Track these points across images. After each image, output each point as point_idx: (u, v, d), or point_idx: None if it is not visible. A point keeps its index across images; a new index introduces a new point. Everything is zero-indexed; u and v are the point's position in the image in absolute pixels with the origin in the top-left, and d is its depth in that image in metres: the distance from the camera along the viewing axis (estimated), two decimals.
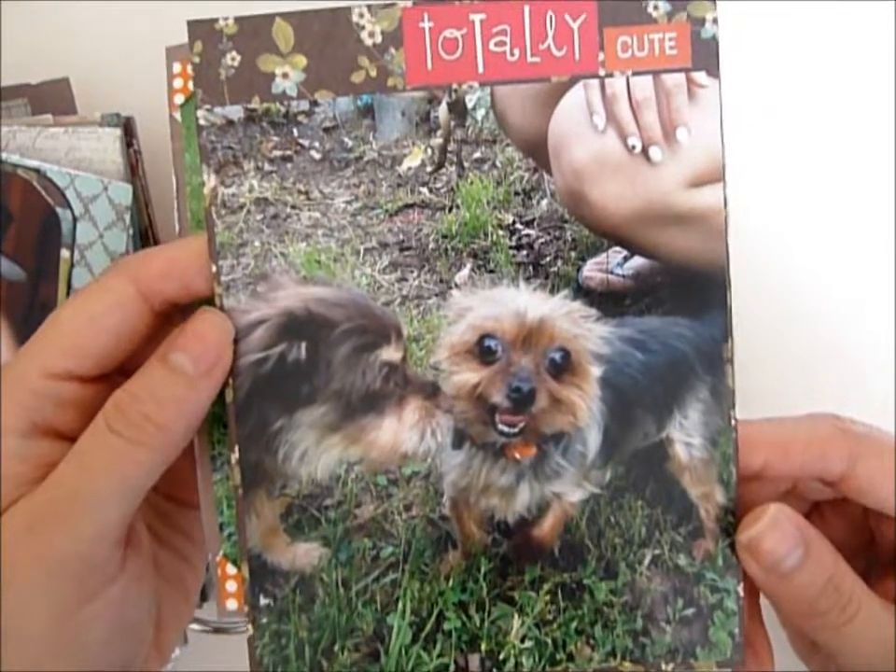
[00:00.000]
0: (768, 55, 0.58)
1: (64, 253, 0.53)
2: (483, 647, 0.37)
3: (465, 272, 0.39)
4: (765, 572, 0.35)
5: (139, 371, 0.35)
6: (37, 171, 0.53)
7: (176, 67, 0.37)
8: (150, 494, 0.35)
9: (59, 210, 0.53)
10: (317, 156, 0.39)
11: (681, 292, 0.38)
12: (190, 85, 0.36)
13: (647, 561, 0.38)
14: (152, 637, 0.37)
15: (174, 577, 0.39)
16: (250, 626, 0.37)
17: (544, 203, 0.38)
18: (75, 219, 0.53)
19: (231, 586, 0.38)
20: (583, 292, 0.38)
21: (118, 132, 0.55)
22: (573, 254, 0.38)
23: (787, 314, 0.59)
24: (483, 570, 0.38)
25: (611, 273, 0.39)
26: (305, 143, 0.39)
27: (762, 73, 0.57)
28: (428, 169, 0.38)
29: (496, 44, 0.36)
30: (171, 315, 0.37)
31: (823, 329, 0.59)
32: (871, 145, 0.58)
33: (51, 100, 0.57)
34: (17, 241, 0.53)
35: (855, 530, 0.39)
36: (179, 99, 0.37)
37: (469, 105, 0.37)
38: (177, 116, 0.37)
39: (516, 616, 0.37)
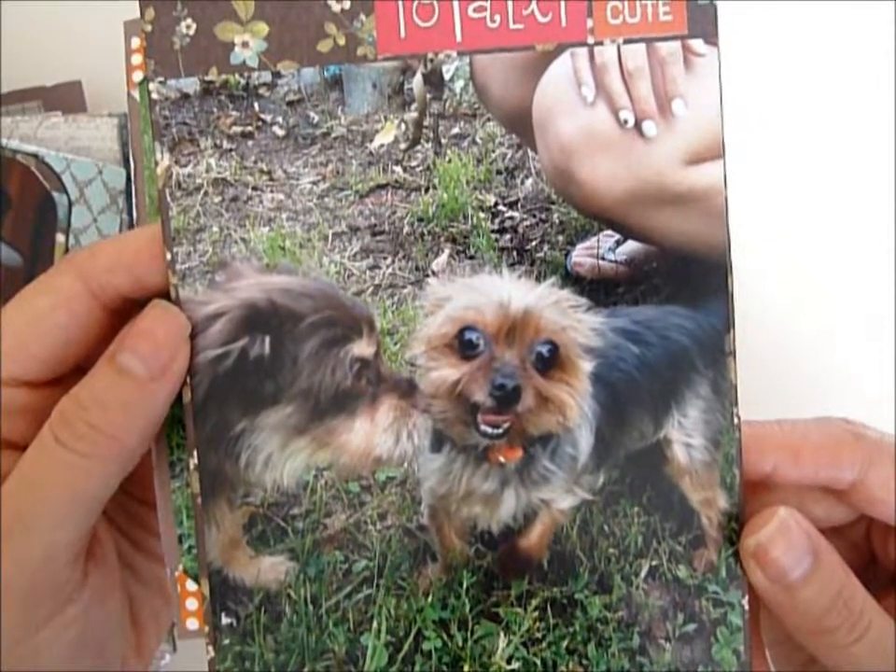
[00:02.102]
0: (770, 20, 0.57)
1: (60, 238, 0.55)
2: (466, 668, 0.36)
3: (443, 258, 0.38)
4: (771, 582, 0.34)
5: (87, 375, 0.33)
6: (35, 156, 0.55)
7: (135, 42, 0.36)
8: (120, 496, 0.35)
9: (55, 195, 0.55)
10: (281, 132, 0.38)
11: (679, 279, 0.36)
12: None
13: (644, 573, 0.36)
14: (131, 641, 0.37)
15: (151, 579, 0.38)
16: (211, 648, 0.36)
17: (529, 182, 0.38)
18: (70, 204, 0.55)
19: (192, 604, 0.36)
20: (572, 280, 0.37)
21: (115, 120, 0.58)
22: (561, 238, 0.38)
23: (787, 305, 0.58)
24: (465, 585, 0.36)
25: (603, 258, 0.38)
26: (267, 118, 0.38)
27: (763, 40, 0.57)
28: (402, 146, 0.37)
29: (475, 9, 0.34)
30: (128, 312, 0.35)
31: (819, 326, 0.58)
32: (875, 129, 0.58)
33: (64, 102, 0.61)
34: (14, 226, 0.55)
35: (856, 552, 0.38)
36: (138, 76, 0.36)
37: (447, 77, 0.36)
38: (136, 94, 0.36)
39: (502, 635, 0.36)
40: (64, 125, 0.58)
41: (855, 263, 0.59)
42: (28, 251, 0.55)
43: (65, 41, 0.63)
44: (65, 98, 0.62)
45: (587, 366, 0.36)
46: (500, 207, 0.38)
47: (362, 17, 0.34)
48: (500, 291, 0.35)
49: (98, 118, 0.59)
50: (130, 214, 0.58)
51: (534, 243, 0.38)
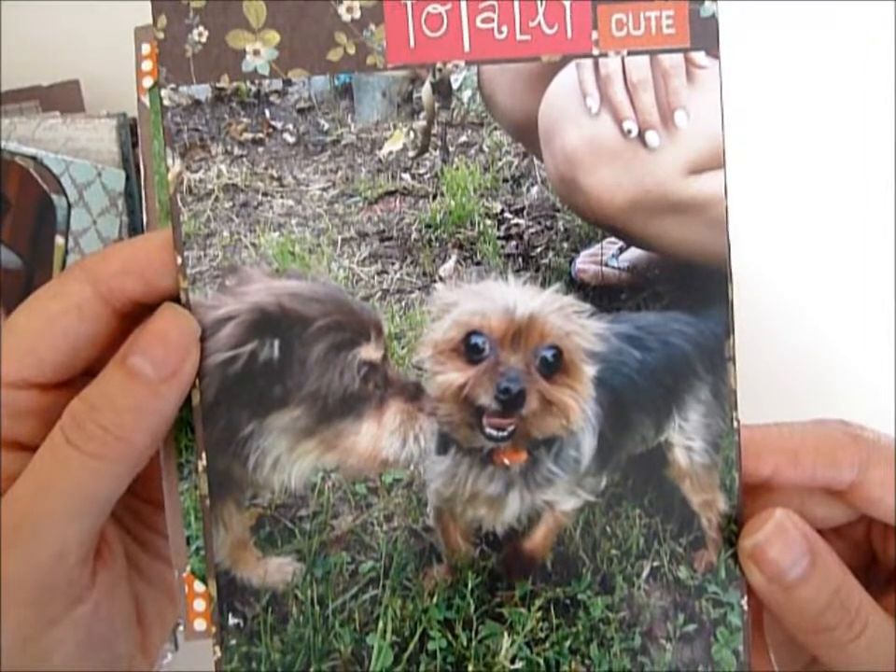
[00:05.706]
0: (771, 34, 0.58)
1: (59, 240, 0.55)
2: (471, 668, 0.36)
3: (450, 264, 0.38)
4: (769, 582, 0.34)
5: (98, 377, 0.33)
6: (34, 158, 0.55)
7: (145, 49, 0.36)
8: (127, 497, 0.34)
9: (54, 197, 0.55)
10: (291, 139, 0.38)
11: (680, 286, 0.36)
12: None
13: (645, 574, 0.36)
14: (137, 640, 0.37)
15: (156, 579, 0.38)
16: (217, 649, 0.36)
17: (534, 190, 0.37)
18: (69, 206, 0.55)
19: (199, 605, 0.36)
20: (576, 286, 0.37)
21: (113, 121, 0.58)
22: (565, 245, 0.38)
23: (785, 313, 0.58)
24: (470, 585, 0.36)
25: (606, 265, 0.38)
26: (278, 125, 0.37)
27: (764, 53, 0.57)
28: (411, 153, 0.37)
29: (483, 20, 0.34)
30: (139, 316, 0.35)
31: (820, 332, 0.59)
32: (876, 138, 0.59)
33: (62, 101, 0.60)
34: (13, 229, 0.55)
35: (857, 552, 0.38)
36: (148, 82, 0.36)
37: (455, 86, 0.37)
38: (146, 100, 0.36)
39: (506, 635, 0.36)
40: (63, 126, 0.58)
41: (854, 270, 0.60)
42: (27, 254, 0.54)
43: (63, 41, 0.63)
44: (63, 97, 0.61)
45: (590, 370, 0.36)
46: (506, 214, 0.38)
47: (372, 26, 0.34)
48: (506, 297, 0.35)
49: (96, 119, 0.58)
50: (129, 216, 0.57)
51: (539, 249, 0.38)
